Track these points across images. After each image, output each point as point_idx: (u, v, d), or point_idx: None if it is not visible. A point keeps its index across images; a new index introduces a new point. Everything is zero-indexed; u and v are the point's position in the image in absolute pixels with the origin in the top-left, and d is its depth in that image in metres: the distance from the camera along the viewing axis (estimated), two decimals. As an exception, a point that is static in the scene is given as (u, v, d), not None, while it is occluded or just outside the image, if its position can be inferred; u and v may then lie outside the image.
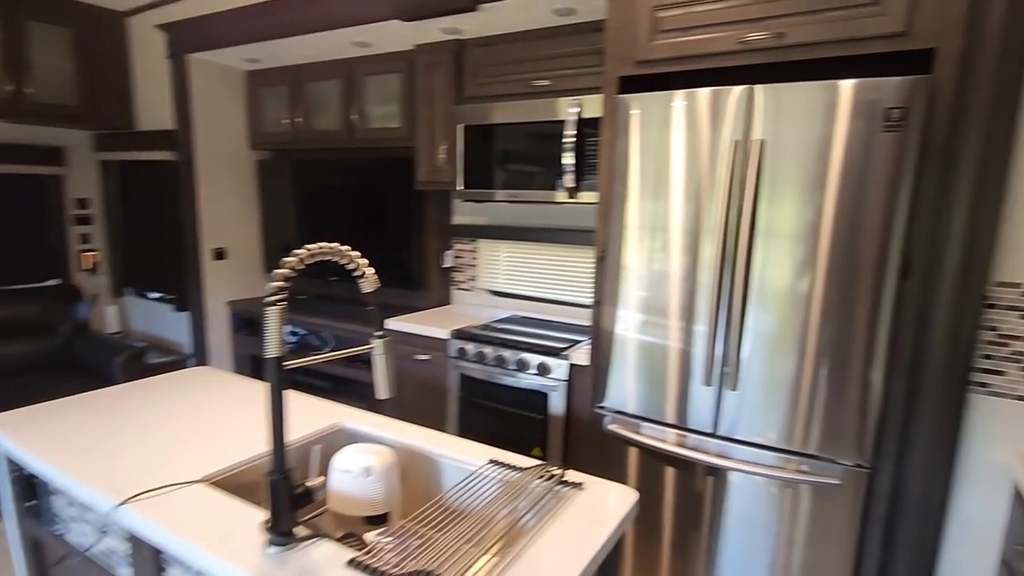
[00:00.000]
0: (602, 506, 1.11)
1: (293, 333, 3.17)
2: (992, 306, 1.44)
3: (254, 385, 1.76)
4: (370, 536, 1.09)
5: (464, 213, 3.08)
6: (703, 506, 1.83)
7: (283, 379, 0.96)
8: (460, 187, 2.62)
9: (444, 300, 3.15)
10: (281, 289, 0.92)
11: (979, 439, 1.49)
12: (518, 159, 2.44)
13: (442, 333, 2.49)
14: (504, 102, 2.45)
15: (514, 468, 1.24)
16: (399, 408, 2.70)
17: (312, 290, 3.53)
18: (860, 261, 1.50)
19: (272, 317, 0.93)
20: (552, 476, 1.21)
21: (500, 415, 2.34)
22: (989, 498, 1.50)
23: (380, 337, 1.16)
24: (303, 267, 0.95)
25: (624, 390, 1.92)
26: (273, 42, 2.79)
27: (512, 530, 1.03)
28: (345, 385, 2.99)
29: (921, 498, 1.54)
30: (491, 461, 1.28)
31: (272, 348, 0.94)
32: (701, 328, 1.74)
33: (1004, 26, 1.35)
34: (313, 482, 1.07)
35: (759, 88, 1.58)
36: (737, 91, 1.62)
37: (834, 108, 1.50)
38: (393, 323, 2.66)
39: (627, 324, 1.88)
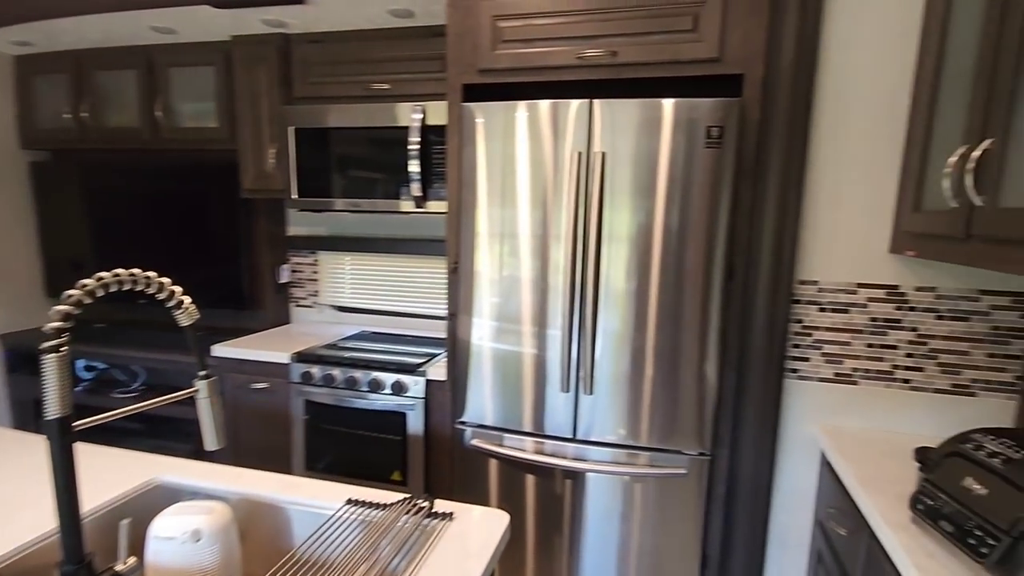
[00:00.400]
0: (475, 536, 1.05)
1: (89, 368, 2.65)
2: (797, 301, 1.66)
3: (38, 441, 1.41)
4: (204, 617, 0.91)
5: (301, 223, 2.83)
6: (564, 509, 1.86)
7: (70, 443, 0.76)
8: (294, 196, 2.40)
9: (282, 319, 2.87)
10: (61, 331, 0.72)
11: (794, 418, 1.71)
12: (359, 166, 2.29)
13: (282, 357, 2.25)
14: (340, 104, 2.29)
15: (376, 506, 1.13)
16: (234, 448, 2.39)
17: (115, 315, 3.00)
18: (692, 266, 1.63)
19: (52, 368, 0.73)
20: (419, 509, 1.12)
21: (354, 441, 2.17)
22: (804, 468, 1.73)
23: (205, 377, 0.98)
24: (91, 301, 0.76)
25: (484, 403, 1.88)
26: (47, 22, 2.31)
27: (379, 580, 0.92)
28: (164, 425, 2.57)
29: (752, 476, 1.72)
30: (349, 501, 1.16)
31: (54, 406, 0.74)
32: (556, 334, 1.77)
33: (794, 58, 1.56)
34: (124, 565, 0.87)
35: (597, 103, 1.65)
36: (575, 104, 1.67)
37: (659, 124, 1.61)
38: (223, 349, 2.35)
39: (483, 334, 1.85)
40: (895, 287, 1.58)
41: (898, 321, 1.59)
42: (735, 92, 1.63)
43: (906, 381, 1.61)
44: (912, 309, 1.58)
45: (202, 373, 0.97)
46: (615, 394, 1.74)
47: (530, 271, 1.77)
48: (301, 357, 2.23)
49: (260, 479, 1.26)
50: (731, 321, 1.68)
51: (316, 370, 2.19)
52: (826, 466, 1.60)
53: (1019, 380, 1.54)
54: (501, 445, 1.88)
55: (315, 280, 2.86)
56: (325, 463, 2.22)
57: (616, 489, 1.79)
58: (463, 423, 1.92)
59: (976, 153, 1.11)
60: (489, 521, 1.10)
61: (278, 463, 2.31)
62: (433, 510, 1.12)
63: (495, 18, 1.79)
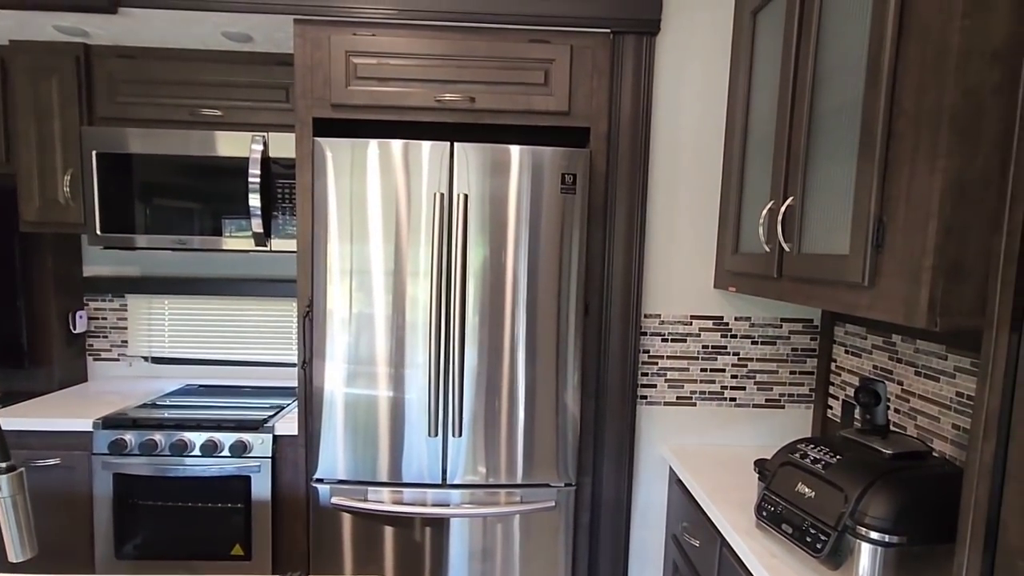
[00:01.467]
0: (362, 613, 0.95)
1: None
2: (644, 333, 1.82)
3: None
4: None
5: (103, 263, 2.41)
6: (428, 554, 1.78)
7: None
8: (98, 231, 2.04)
9: (77, 377, 2.38)
10: None
11: (646, 441, 1.86)
12: (181, 198, 2.03)
13: (82, 424, 1.86)
14: (158, 129, 2.02)
15: (237, 597, 0.98)
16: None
17: None
18: (551, 303, 1.71)
19: None
20: (292, 593, 0.99)
21: (182, 516, 1.86)
22: (656, 487, 1.88)
23: (8, 471, 0.78)
24: None
25: (343, 455, 1.75)
26: None
27: None
28: None
29: (613, 499, 1.82)
30: (201, 597, 0.98)
31: None
32: (416, 374, 1.72)
33: (631, 116, 1.75)
34: None
35: (458, 145, 1.67)
36: (428, 145, 1.67)
37: (510, 169, 1.68)
38: (-8, 421, 1.87)
39: (339, 380, 1.73)
40: (720, 318, 1.83)
41: (724, 347, 1.83)
42: (586, 143, 1.77)
43: (732, 399, 1.85)
44: (734, 336, 1.83)
45: (4, 465, 0.77)
46: (484, 434, 1.74)
47: (385, 309, 1.71)
48: (109, 422, 1.87)
49: (73, 586, 1.02)
50: (589, 354, 1.79)
51: (131, 436, 1.85)
52: (676, 483, 1.76)
53: (812, 392, 1.86)
54: (365, 500, 1.75)
55: (122, 328, 2.44)
56: (141, 548, 1.86)
57: (485, 530, 1.77)
58: (320, 480, 1.76)
59: (783, 208, 1.33)
60: (375, 592, 1.01)
61: (73, 557, 1.89)
62: (309, 590, 1.00)
63: (349, 54, 1.73)
